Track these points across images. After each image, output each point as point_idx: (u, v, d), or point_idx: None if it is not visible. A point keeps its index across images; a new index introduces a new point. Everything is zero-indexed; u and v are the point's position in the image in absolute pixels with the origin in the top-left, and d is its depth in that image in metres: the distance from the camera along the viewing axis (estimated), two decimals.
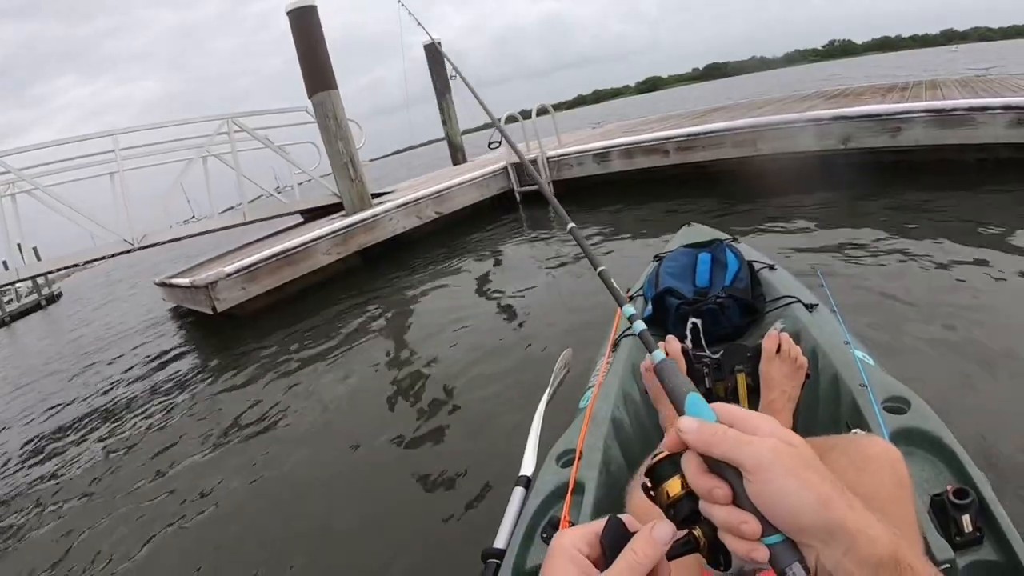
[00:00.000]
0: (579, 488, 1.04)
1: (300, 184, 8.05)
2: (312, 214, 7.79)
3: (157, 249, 7.67)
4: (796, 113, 5.17)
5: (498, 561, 0.98)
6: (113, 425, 3.94)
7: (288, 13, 6.39)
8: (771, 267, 1.73)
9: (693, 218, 2.43)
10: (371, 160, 8.51)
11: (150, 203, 7.38)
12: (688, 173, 5.90)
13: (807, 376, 1.17)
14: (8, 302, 18.01)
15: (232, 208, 7.69)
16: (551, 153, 6.99)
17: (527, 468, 1.26)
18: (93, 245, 6.78)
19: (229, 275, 5.23)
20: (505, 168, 7.26)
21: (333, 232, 5.90)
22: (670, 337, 1.25)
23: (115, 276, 17.49)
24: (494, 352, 3.21)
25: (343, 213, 6.80)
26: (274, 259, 5.50)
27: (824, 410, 1.23)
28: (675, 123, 7.01)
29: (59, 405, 4.89)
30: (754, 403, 1.17)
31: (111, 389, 4.88)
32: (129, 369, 5.42)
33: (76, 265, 7.91)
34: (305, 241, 5.71)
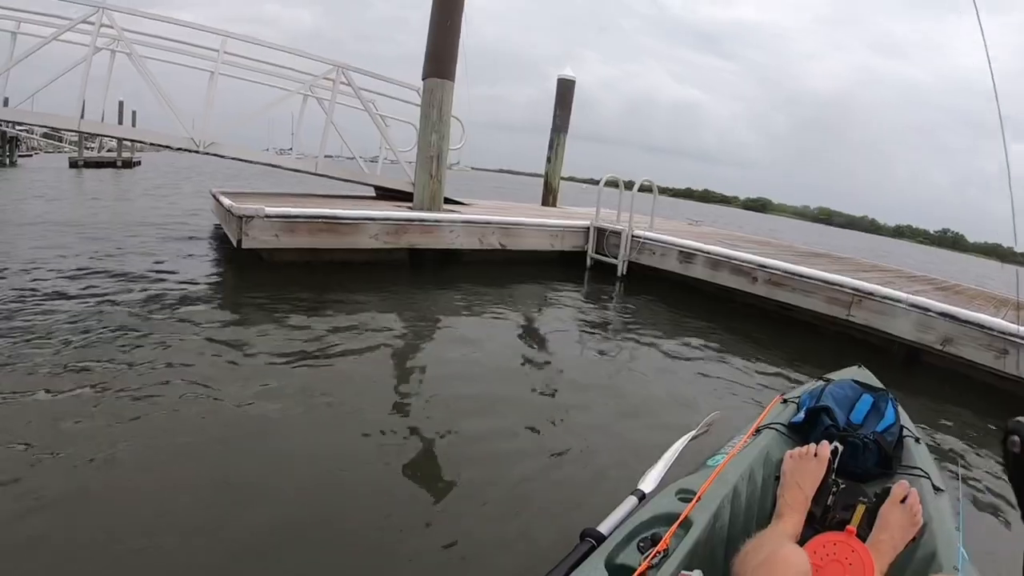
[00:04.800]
0: (686, 523, 1.13)
1: (386, 160, 7.75)
2: (389, 194, 7.42)
3: (268, 170, 7.48)
4: (904, 292, 4.55)
5: (593, 543, 1.09)
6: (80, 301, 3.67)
7: None
8: (917, 439, 1.77)
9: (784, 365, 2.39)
10: (473, 168, 8.16)
11: (245, 117, 7.20)
12: (768, 309, 5.35)
13: (915, 538, 1.24)
14: (88, 148, 18.60)
15: (330, 157, 7.40)
16: (638, 232, 6.48)
17: (646, 486, 1.40)
18: (184, 133, 6.55)
19: (267, 216, 4.87)
20: (587, 229, 6.80)
21: (387, 220, 5.49)
22: (824, 442, 1.38)
23: (208, 169, 17.52)
24: (494, 406, 2.90)
25: (410, 205, 6.44)
26: (318, 220, 5.12)
27: None
28: (773, 252, 6.41)
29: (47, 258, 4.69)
30: (862, 536, 1.23)
31: (104, 270, 4.64)
32: (132, 257, 5.23)
33: (142, 142, 7.79)
34: (355, 216, 5.31)
